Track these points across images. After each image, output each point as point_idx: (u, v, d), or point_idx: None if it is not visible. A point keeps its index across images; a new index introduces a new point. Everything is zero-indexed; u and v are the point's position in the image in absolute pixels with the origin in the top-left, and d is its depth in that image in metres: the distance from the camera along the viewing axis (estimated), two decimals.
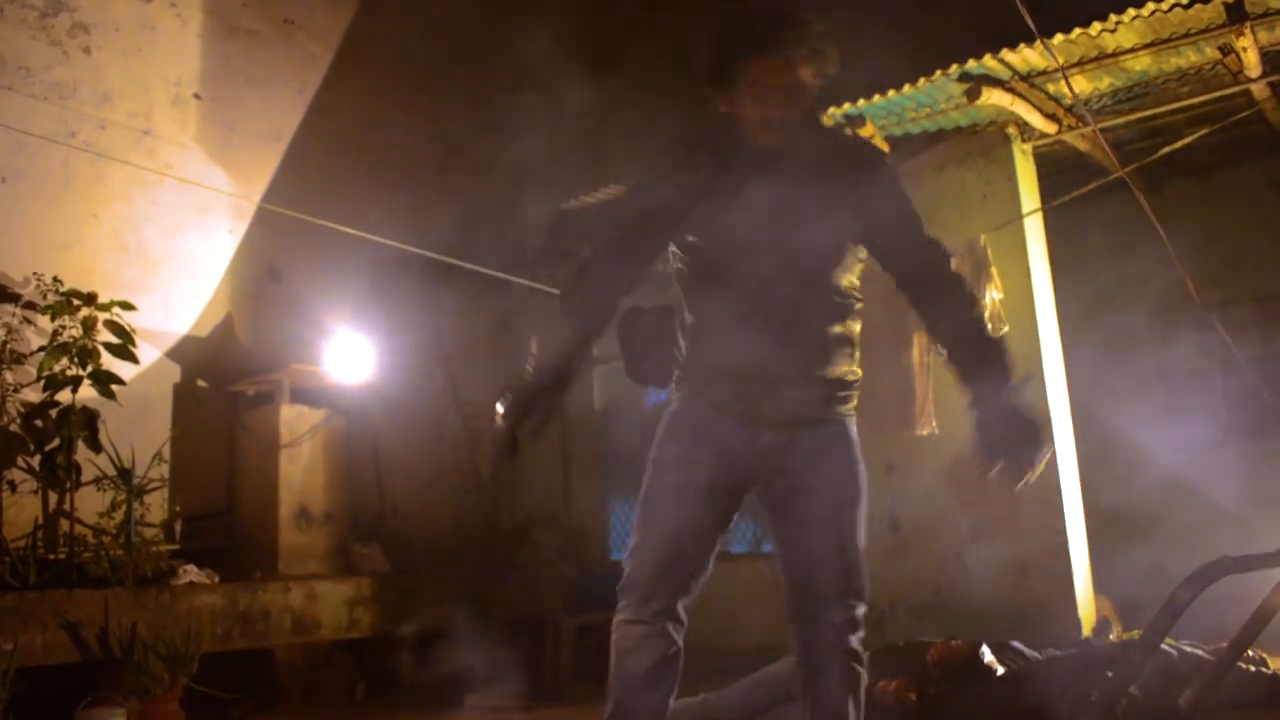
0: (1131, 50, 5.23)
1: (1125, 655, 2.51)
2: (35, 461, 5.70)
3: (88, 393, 5.79)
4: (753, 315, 2.56)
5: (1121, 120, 5.99)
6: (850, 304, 2.62)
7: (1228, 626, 3.25)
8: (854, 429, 2.79)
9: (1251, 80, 5.43)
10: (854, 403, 2.77)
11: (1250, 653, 4.14)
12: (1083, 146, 6.26)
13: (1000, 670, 4.16)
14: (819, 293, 2.58)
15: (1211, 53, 5.29)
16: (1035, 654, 4.43)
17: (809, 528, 2.64)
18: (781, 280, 2.52)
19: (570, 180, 7.15)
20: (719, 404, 2.65)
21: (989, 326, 2.57)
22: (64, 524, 5.74)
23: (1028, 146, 6.20)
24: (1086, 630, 5.57)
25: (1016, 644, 4.47)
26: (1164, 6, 4.79)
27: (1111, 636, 5.39)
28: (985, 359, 2.48)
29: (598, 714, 4.98)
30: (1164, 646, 3.79)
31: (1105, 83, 5.62)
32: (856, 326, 2.67)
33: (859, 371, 2.72)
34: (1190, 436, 7.19)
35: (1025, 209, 6.00)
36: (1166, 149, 5.78)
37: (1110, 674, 3.77)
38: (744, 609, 7.07)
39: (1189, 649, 4.15)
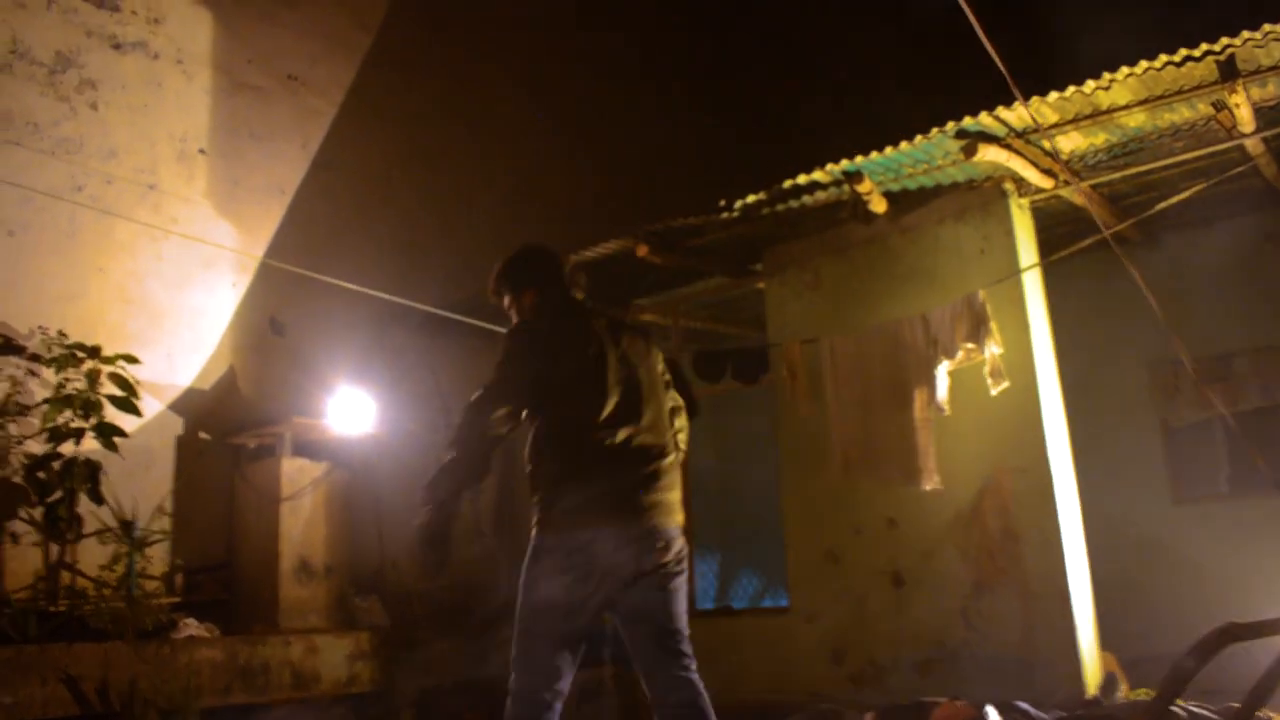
0: (1126, 107, 5.29)
1: None
2: (38, 513, 5.70)
3: (91, 445, 5.80)
4: None
5: (1117, 175, 6.07)
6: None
7: (1227, 682, 3.23)
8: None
9: (1245, 135, 5.49)
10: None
11: (1259, 714, 4.11)
12: (1079, 201, 6.31)
13: None
14: None
15: (1205, 109, 5.35)
16: (1042, 715, 4.40)
17: None
18: None
19: (571, 232, 7.21)
20: None
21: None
22: (65, 576, 5.74)
23: (1025, 201, 6.26)
24: (1092, 688, 5.53)
25: (1022, 704, 4.44)
26: (1157, 64, 4.85)
27: (1119, 695, 5.35)
28: None
29: None
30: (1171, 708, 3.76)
31: (1100, 138, 5.69)
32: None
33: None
34: (1192, 489, 7.20)
35: (1023, 263, 6.05)
36: (1162, 204, 5.84)
37: None
38: (749, 663, 7.04)
39: (1196, 709, 4.13)
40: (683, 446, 3.62)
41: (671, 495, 3.35)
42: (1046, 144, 5.68)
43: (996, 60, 3.97)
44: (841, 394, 6.39)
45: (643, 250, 6.83)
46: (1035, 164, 5.88)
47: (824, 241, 6.88)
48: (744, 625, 7.42)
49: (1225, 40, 4.71)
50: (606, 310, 3.85)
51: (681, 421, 3.69)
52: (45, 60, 6.35)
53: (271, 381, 7.13)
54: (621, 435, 3.28)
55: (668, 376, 3.70)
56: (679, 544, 3.31)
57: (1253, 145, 5.68)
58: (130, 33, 6.83)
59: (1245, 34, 4.64)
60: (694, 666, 3.24)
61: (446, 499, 3.36)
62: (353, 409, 6.88)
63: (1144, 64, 4.88)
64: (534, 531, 3.28)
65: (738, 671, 7.05)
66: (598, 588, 3.17)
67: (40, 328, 5.87)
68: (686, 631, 3.29)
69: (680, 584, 3.30)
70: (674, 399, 3.67)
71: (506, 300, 3.90)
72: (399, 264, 7.79)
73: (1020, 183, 6.15)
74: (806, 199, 6.30)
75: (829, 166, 5.84)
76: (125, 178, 6.64)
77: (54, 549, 5.77)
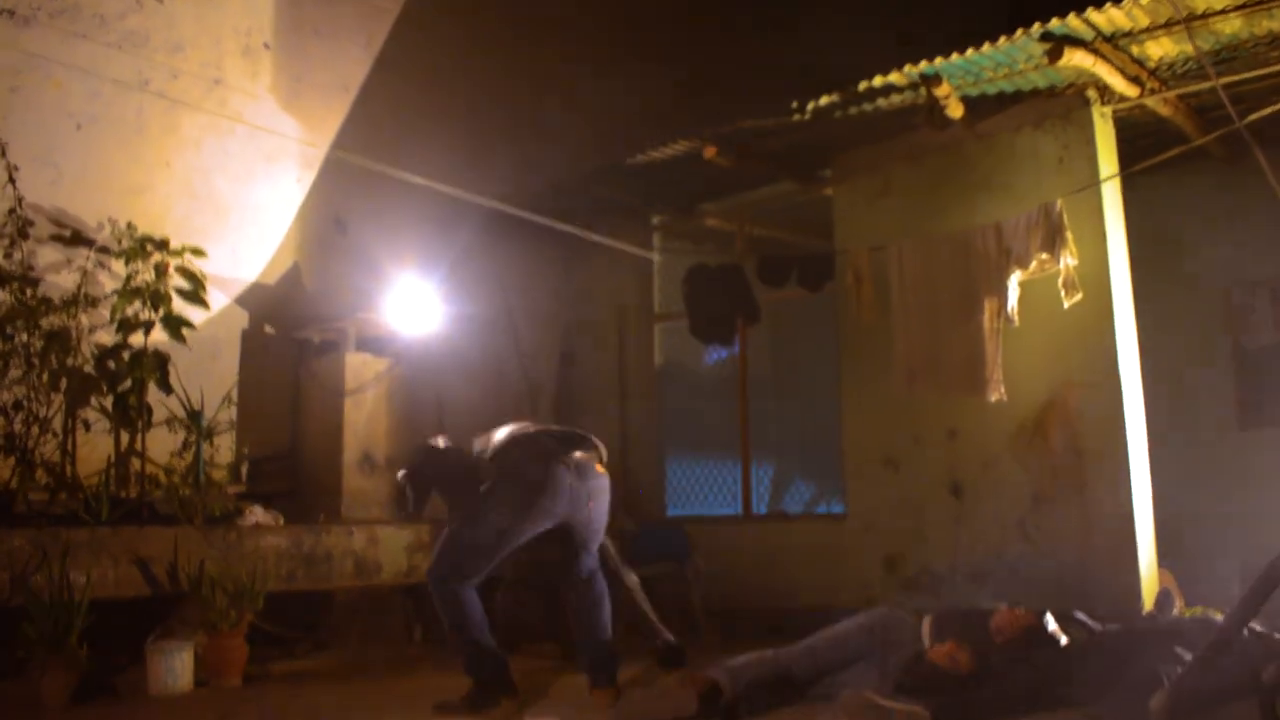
0: (1222, 11, 5.06)
1: (1217, 627, 2.45)
2: (108, 402, 5.82)
3: (159, 336, 5.89)
4: None
5: (1207, 85, 5.82)
6: None
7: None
8: None
9: None
10: None
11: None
12: (1164, 111, 6.09)
13: (1064, 640, 4.12)
14: None
15: None
16: (1098, 625, 4.38)
17: None
18: None
19: (638, 133, 7.11)
20: None
21: None
22: (135, 463, 5.87)
23: (1108, 110, 6.06)
24: (1148, 604, 5.50)
25: (1080, 614, 4.41)
26: None
27: (1174, 612, 5.32)
28: None
29: (650, 666, 5.02)
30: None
31: (1192, 46, 5.45)
32: None
33: None
34: (1260, 414, 7.06)
35: (1103, 174, 5.87)
36: (1252, 116, 5.60)
37: (1178, 647, 3.73)
38: (802, 568, 7.09)
39: (1260, 630, 4.08)
40: None
41: None
42: (1135, 49, 5.47)
43: None
44: (908, 302, 6.30)
45: (710, 152, 6.72)
46: (1121, 71, 5.66)
47: (896, 148, 6.73)
48: (798, 530, 7.45)
49: None
50: None
51: None
52: None
53: (335, 278, 7.17)
54: None
55: None
56: None
57: None
58: None
59: None
60: None
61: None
62: (415, 307, 6.90)
63: None
64: None
65: (790, 575, 7.12)
66: None
67: (110, 219, 5.92)
68: None
69: None
70: None
71: None
72: (463, 164, 7.73)
73: (1104, 90, 5.94)
74: (881, 102, 6.14)
75: (906, 68, 5.66)
76: (191, 72, 6.62)
77: (124, 437, 5.90)
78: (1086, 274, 5.73)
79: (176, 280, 5.97)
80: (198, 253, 6.04)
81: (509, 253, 8.12)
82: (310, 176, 7.22)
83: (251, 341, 6.77)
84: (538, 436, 4.61)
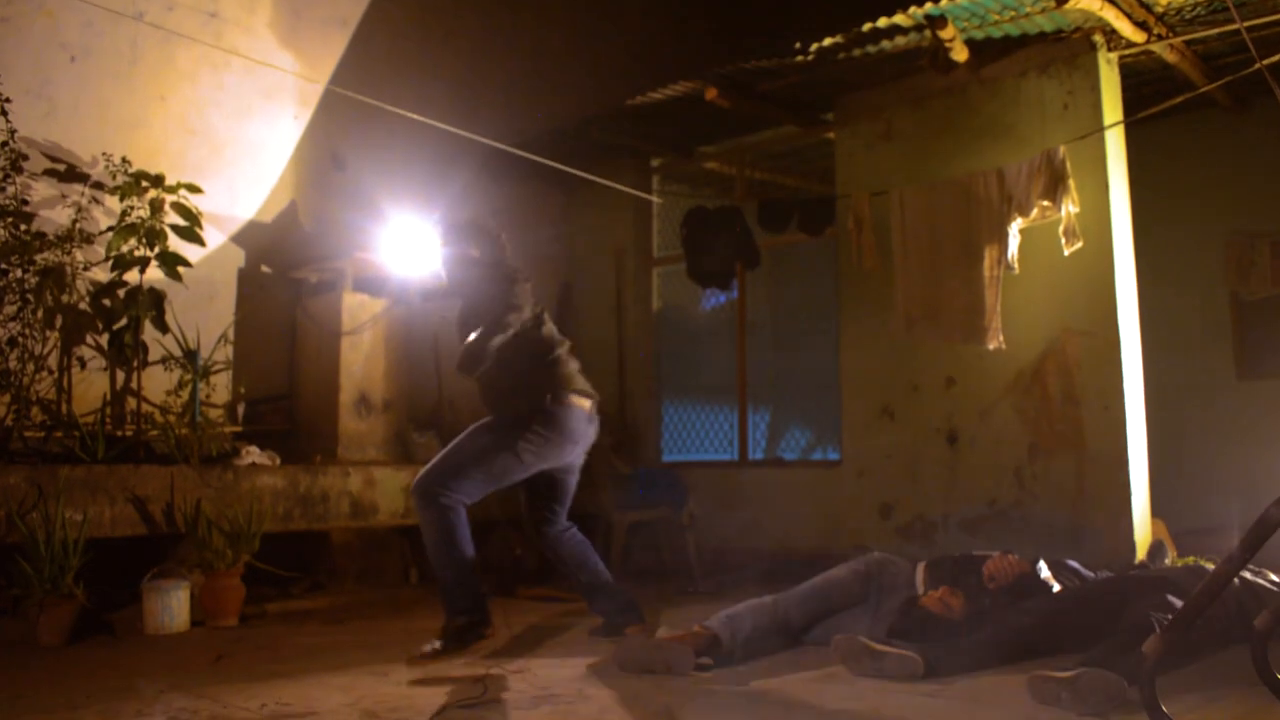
0: None
1: (1210, 574, 2.46)
2: (104, 340, 5.79)
3: (155, 274, 5.85)
4: None
5: (1214, 31, 5.75)
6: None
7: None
8: None
9: None
10: None
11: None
12: (1171, 58, 6.01)
13: (1056, 586, 4.14)
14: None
15: None
16: (1091, 574, 4.40)
17: None
18: None
19: (637, 75, 7.03)
20: None
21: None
22: (131, 402, 5.86)
23: (1114, 56, 5.98)
24: (1141, 554, 5.54)
25: (1073, 563, 4.44)
26: None
27: (1166, 562, 5.35)
28: None
29: (647, 608, 5.05)
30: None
31: None
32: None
33: None
34: (1258, 365, 7.06)
35: (1107, 121, 5.81)
36: (1260, 64, 5.53)
37: (1170, 594, 3.75)
38: (798, 514, 7.13)
39: (1250, 577, 4.11)
40: None
41: None
42: None
43: None
44: (908, 248, 6.26)
45: (711, 93, 6.65)
46: (1129, 15, 5.58)
47: (899, 91, 6.65)
48: (794, 476, 7.48)
49: None
50: None
51: None
52: None
53: (332, 217, 7.11)
54: None
55: None
56: None
57: None
58: None
59: None
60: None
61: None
62: (413, 248, 6.84)
63: None
64: None
65: (786, 521, 7.16)
66: None
67: (104, 154, 5.85)
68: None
69: None
70: None
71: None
72: (462, 102, 7.63)
73: (1110, 36, 5.86)
74: (885, 44, 6.06)
75: (911, 9, 5.58)
76: (186, 4, 6.50)
77: (120, 375, 5.89)
78: (1088, 222, 5.70)
79: (172, 217, 5.92)
80: (194, 189, 5.98)
81: (507, 194, 8.05)
82: (307, 114, 7.13)
83: (248, 281, 6.73)
84: (584, 384, 4.63)
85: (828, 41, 6.03)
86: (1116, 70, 6.03)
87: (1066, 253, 5.66)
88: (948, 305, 6.05)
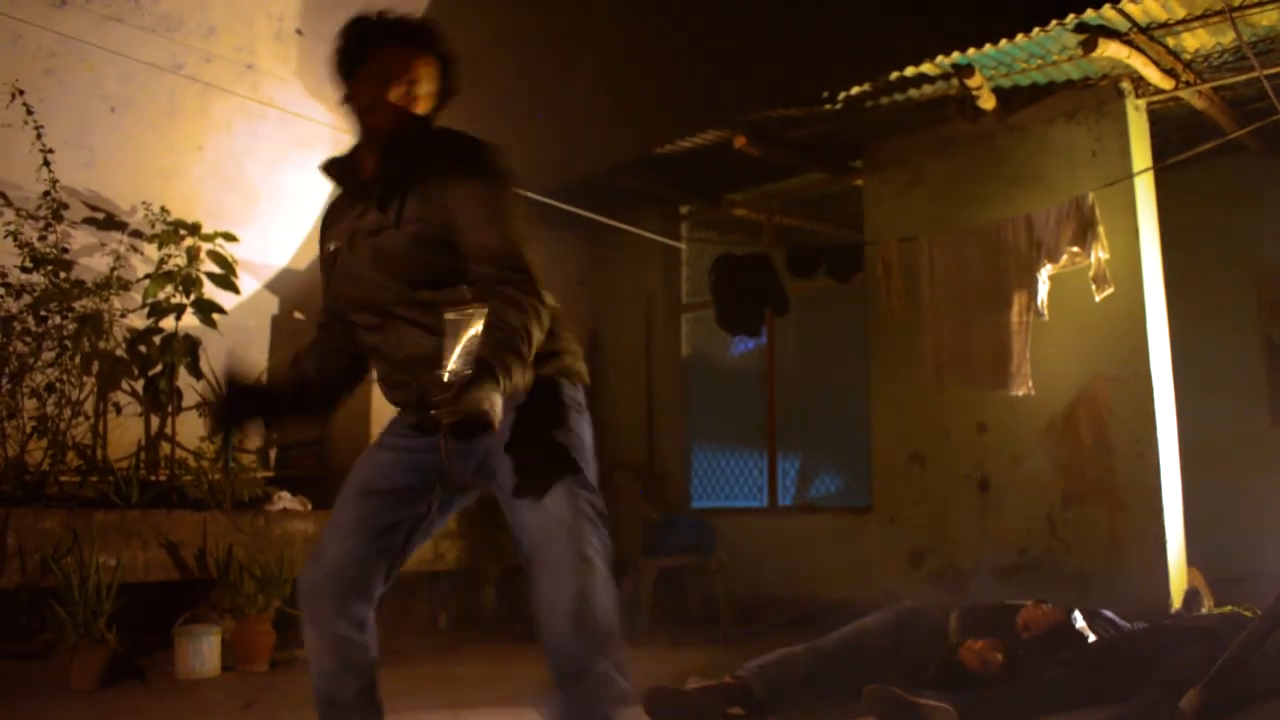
0: (1260, 3, 5.00)
1: (1250, 624, 2.43)
2: (139, 386, 5.87)
3: (190, 321, 5.94)
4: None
5: (1243, 78, 5.75)
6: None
7: None
8: None
9: None
10: None
11: None
12: (1199, 104, 6.02)
13: (1092, 637, 4.09)
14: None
15: None
16: (1126, 624, 4.35)
17: None
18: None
19: (665, 123, 7.10)
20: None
21: (518, 337, 2.32)
22: (165, 447, 5.92)
23: (1141, 102, 5.99)
24: (1176, 602, 5.47)
25: (1108, 612, 4.38)
26: None
27: (1202, 610, 5.28)
28: (490, 351, 2.22)
29: (676, 655, 5.02)
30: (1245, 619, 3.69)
31: (1229, 37, 5.38)
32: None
33: None
34: None
35: (1136, 167, 5.82)
36: None
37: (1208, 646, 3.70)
38: (826, 560, 7.08)
39: None
40: None
41: None
42: (1171, 41, 5.40)
43: None
44: (937, 295, 6.26)
45: (740, 141, 6.70)
46: (1156, 63, 5.60)
47: (927, 138, 6.69)
48: (823, 522, 7.43)
49: None
50: None
51: None
52: None
53: None
54: None
55: None
56: None
57: None
58: None
59: None
60: None
61: None
62: None
63: None
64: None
65: (816, 567, 7.10)
66: None
67: (143, 203, 5.95)
68: None
69: None
70: None
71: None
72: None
73: (1138, 82, 5.87)
74: (913, 92, 6.10)
75: (939, 59, 5.62)
76: (223, 56, 6.63)
77: (154, 420, 5.96)
78: (1118, 268, 5.68)
79: (208, 265, 6.02)
80: (229, 238, 6.08)
81: (534, 240, 8.10)
82: None
83: (281, 327, 6.80)
84: None
85: (856, 90, 6.08)
86: (1145, 116, 6.04)
87: (1098, 299, 5.64)
88: (976, 352, 6.03)
